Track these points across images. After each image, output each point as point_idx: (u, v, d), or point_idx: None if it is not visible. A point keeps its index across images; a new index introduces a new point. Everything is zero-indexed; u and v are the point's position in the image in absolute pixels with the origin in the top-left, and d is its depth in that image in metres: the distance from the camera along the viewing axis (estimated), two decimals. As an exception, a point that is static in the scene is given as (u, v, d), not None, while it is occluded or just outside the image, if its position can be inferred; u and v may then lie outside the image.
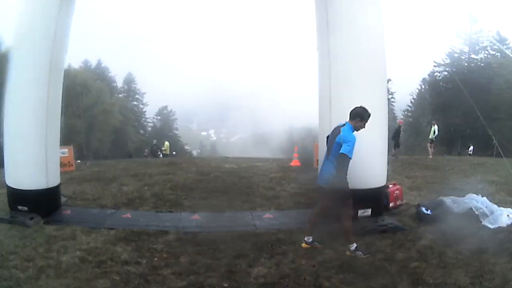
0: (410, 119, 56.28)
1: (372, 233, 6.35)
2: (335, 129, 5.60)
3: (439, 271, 4.92)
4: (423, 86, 61.29)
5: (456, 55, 56.13)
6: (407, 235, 6.30)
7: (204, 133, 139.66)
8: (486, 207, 7.42)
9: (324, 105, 7.06)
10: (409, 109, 62.64)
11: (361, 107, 5.61)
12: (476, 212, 7.31)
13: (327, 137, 5.79)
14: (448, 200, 7.95)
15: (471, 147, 34.72)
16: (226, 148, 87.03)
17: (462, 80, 36.32)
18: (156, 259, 5.24)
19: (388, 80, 54.09)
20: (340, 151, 5.18)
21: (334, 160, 5.35)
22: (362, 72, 6.66)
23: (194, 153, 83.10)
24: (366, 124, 5.55)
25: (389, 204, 7.77)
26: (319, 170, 5.90)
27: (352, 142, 5.19)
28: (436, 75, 58.72)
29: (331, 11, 6.75)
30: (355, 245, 5.51)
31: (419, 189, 9.84)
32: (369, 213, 6.79)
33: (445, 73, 57.20)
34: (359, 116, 5.48)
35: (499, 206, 7.50)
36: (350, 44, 6.66)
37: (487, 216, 7.16)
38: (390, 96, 57.10)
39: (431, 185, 10.52)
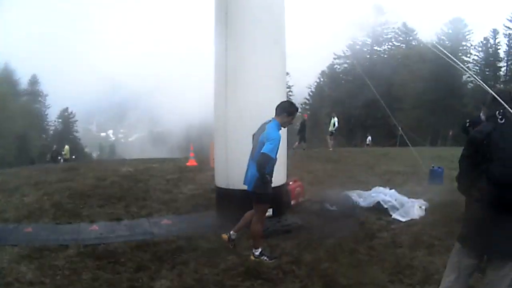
0: (308, 112, 58.15)
1: (276, 234, 6.10)
2: (261, 126, 5.26)
3: (353, 270, 4.73)
4: (321, 79, 63.73)
5: (358, 47, 58.84)
6: (313, 234, 6.09)
7: (103, 134, 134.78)
8: (395, 200, 7.45)
9: (220, 101, 6.88)
10: (307, 102, 64.98)
11: (287, 101, 5.46)
12: (385, 206, 7.33)
13: (253, 135, 5.39)
14: (353, 194, 7.99)
15: (369, 138, 36.60)
16: (125, 149, 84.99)
17: (364, 71, 38.29)
18: (59, 277, 4.90)
19: (286, 74, 55.61)
20: (262, 150, 4.81)
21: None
22: (260, 68, 6.55)
23: (94, 155, 79.86)
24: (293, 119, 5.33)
25: (291, 202, 7.50)
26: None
27: (276, 141, 4.86)
28: (336, 67, 61.32)
29: (230, 5, 6.57)
30: (260, 249, 5.23)
31: (321, 184, 9.82)
32: (271, 213, 6.46)
33: (345, 65, 59.88)
34: (286, 111, 5.17)
35: (409, 197, 7.58)
36: (247, 39, 6.54)
37: (397, 209, 7.16)
38: (288, 90, 58.30)
39: (334, 179, 10.61)
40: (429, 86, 47.16)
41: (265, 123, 5.15)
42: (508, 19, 53.80)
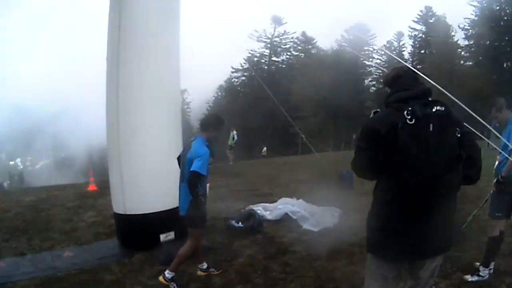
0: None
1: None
2: (186, 145, 4.96)
3: (269, 291, 4.38)
4: (219, 93, 63.86)
5: (255, 59, 59.58)
6: (221, 255, 5.65)
7: (12, 163, 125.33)
8: (304, 210, 7.17)
9: (112, 119, 6.25)
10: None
11: (213, 114, 5.23)
12: (294, 217, 7.04)
13: (179, 157, 5.00)
14: (258, 208, 7.55)
15: (265, 148, 36.66)
16: (33, 177, 79.54)
17: (263, 83, 38.98)
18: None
19: (184, 91, 55.26)
20: (191, 169, 4.45)
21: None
22: (152, 83, 6.10)
23: (5, 185, 73.76)
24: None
25: None
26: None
27: (204, 157, 4.54)
28: (234, 80, 61.74)
29: (123, 19, 6.06)
30: (173, 274, 4.81)
31: (225, 200, 9.33)
32: (173, 236, 6.05)
33: (243, 78, 60.56)
34: (212, 126, 4.86)
35: (319, 206, 7.37)
36: (141, 52, 6.06)
37: (307, 219, 6.87)
38: (186, 106, 58.50)
39: (237, 194, 10.21)
40: (329, 92, 47.84)
41: (191, 141, 4.81)
42: (414, 20, 57.77)
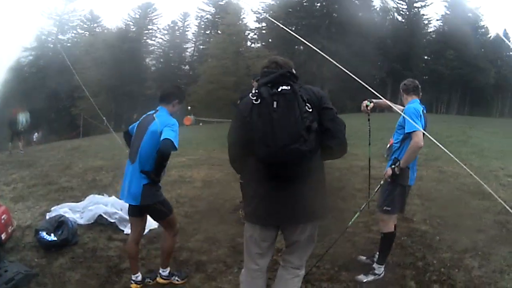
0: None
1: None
2: (142, 120, 4.13)
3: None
4: (8, 76, 57.06)
5: (43, 37, 56.08)
6: (45, 285, 4.43)
7: None
8: (121, 209, 6.21)
9: None
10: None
11: (173, 85, 4.60)
12: (111, 220, 6.13)
13: (126, 133, 4.35)
14: (65, 209, 6.40)
15: (36, 134, 33.88)
16: None
17: (49, 62, 35.65)
18: None
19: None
20: (164, 137, 3.67)
21: (148, 159, 3.86)
22: None
23: None
24: None
25: (1, 239, 5.33)
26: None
27: (176, 126, 3.86)
28: (22, 60, 56.81)
29: None
30: (169, 269, 4.42)
31: (25, 200, 7.92)
32: None
33: (31, 57, 56.43)
34: (177, 97, 4.19)
35: None
36: None
37: (128, 221, 5.88)
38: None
39: (35, 190, 8.78)
40: (111, 72, 47.41)
41: (150, 115, 4.08)
42: (204, 2, 60.47)
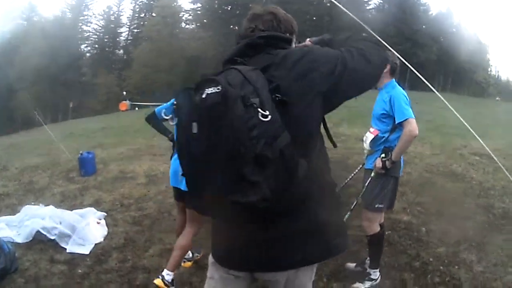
0: None
1: None
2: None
3: None
4: None
5: None
6: None
7: None
8: (60, 223, 5.26)
9: None
10: None
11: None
12: (51, 236, 5.11)
13: (151, 116, 4.25)
14: (2, 226, 5.34)
15: None
16: None
17: None
18: None
19: None
20: None
21: None
22: None
23: None
24: None
25: None
26: None
27: None
28: None
29: None
30: (172, 274, 3.81)
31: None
32: None
33: None
34: None
35: (72, 208, 5.94)
36: None
37: (69, 236, 5.10)
38: None
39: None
40: (48, 61, 46.08)
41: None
42: None
